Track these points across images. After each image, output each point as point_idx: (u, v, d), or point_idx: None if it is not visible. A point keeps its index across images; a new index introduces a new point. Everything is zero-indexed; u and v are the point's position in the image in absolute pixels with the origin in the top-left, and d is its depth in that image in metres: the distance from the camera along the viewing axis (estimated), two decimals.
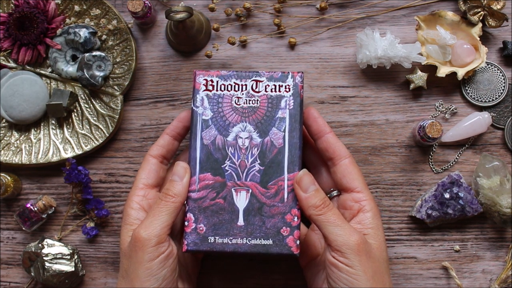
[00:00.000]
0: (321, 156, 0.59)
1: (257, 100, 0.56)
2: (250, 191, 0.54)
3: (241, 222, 0.53)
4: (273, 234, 0.53)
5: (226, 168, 0.54)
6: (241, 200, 0.54)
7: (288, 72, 0.56)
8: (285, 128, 0.55)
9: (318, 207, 0.52)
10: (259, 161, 0.54)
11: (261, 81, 0.56)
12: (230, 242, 0.53)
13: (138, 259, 0.50)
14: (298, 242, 0.53)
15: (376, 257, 0.51)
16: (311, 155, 0.60)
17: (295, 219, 0.53)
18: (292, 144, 0.55)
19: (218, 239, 0.53)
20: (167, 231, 0.52)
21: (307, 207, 0.52)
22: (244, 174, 0.54)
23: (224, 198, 0.54)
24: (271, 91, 0.56)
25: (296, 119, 0.55)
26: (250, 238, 0.53)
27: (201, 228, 0.53)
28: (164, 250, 0.51)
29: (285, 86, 0.56)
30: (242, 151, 0.55)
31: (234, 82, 0.56)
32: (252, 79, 0.56)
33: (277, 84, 0.56)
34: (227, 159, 0.55)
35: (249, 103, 0.56)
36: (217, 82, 0.56)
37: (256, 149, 0.55)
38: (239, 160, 0.55)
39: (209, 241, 0.53)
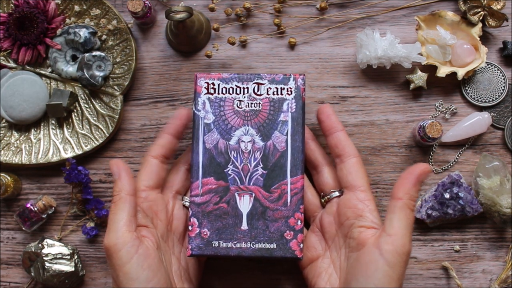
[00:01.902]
0: (321, 157, 0.59)
1: (259, 103, 0.56)
2: (254, 195, 0.54)
3: (244, 226, 0.54)
4: (276, 238, 0.53)
5: (229, 172, 0.54)
6: (244, 204, 0.54)
7: (290, 75, 0.56)
8: (287, 131, 0.55)
9: (411, 199, 0.52)
10: (261, 165, 0.54)
11: (263, 84, 0.56)
12: (234, 246, 0.53)
13: (114, 266, 0.51)
14: (301, 245, 0.53)
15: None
16: (313, 155, 0.60)
17: (299, 222, 0.53)
18: (294, 147, 0.55)
19: (222, 243, 0.53)
20: (129, 227, 0.51)
21: (407, 189, 0.52)
22: (247, 178, 0.54)
23: (228, 203, 0.54)
24: (273, 94, 0.56)
25: (298, 122, 0.55)
26: (254, 242, 0.53)
27: (205, 233, 0.53)
28: (136, 250, 0.51)
29: (287, 89, 0.56)
30: (245, 155, 0.55)
31: (236, 85, 0.56)
32: (253, 81, 0.56)
33: (279, 87, 0.56)
34: (230, 163, 0.54)
35: (251, 106, 0.56)
36: (219, 85, 0.56)
37: (258, 153, 0.55)
38: (242, 164, 0.54)
39: (213, 246, 0.53)
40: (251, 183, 0.54)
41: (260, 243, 0.53)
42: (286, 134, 0.55)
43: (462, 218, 0.62)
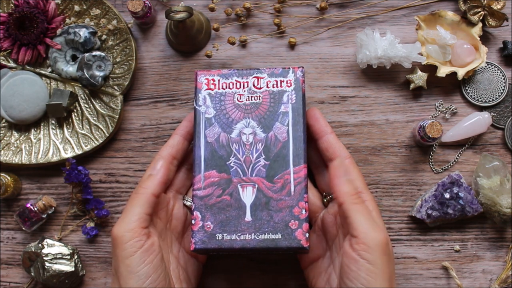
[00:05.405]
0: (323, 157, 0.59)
1: (259, 96, 0.56)
2: (257, 186, 0.54)
3: (248, 217, 0.53)
4: (281, 228, 0.52)
5: (231, 164, 0.54)
6: (247, 195, 0.54)
7: (289, 68, 0.57)
8: (288, 122, 0.55)
9: (353, 195, 0.52)
10: (264, 156, 0.54)
11: (262, 78, 0.57)
12: (238, 238, 0.52)
13: (117, 257, 0.51)
14: (307, 235, 0.52)
15: (393, 260, 0.51)
16: (314, 156, 0.60)
17: (303, 212, 0.53)
18: (296, 137, 0.55)
19: (226, 236, 0.53)
20: (141, 223, 0.51)
21: (343, 193, 0.52)
22: (250, 169, 0.54)
23: (231, 195, 0.54)
24: (273, 86, 0.56)
25: (299, 113, 0.55)
26: (258, 233, 0.52)
27: (208, 226, 0.53)
28: (141, 244, 0.51)
29: (287, 81, 0.56)
30: (247, 147, 0.55)
31: (236, 80, 0.57)
32: (253, 76, 0.57)
33: (278, 79, 0.56)
34: (232, 156, 0.55)
35: (251, 100, 0.56)
36: (219, 80, 0.57)
37: (260, 144, 0.55)
38: (244, 156, 0.55)
39: (217, 239, 0.53)
40: (254, 174, 0.54)
41: (265, 234, 0.52)
42: (287, 125, 0.55)
43: (462, 218, 0.62)
